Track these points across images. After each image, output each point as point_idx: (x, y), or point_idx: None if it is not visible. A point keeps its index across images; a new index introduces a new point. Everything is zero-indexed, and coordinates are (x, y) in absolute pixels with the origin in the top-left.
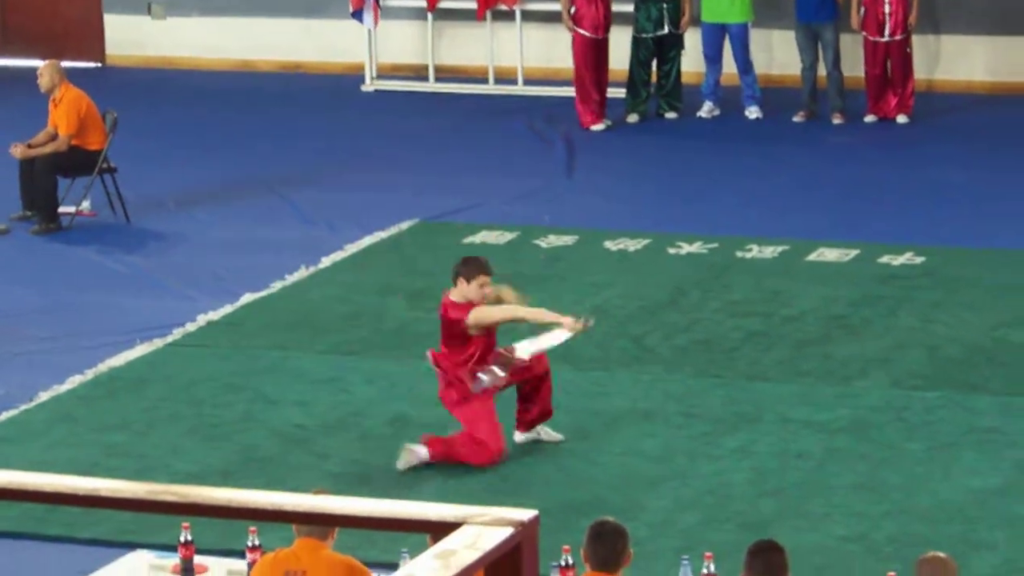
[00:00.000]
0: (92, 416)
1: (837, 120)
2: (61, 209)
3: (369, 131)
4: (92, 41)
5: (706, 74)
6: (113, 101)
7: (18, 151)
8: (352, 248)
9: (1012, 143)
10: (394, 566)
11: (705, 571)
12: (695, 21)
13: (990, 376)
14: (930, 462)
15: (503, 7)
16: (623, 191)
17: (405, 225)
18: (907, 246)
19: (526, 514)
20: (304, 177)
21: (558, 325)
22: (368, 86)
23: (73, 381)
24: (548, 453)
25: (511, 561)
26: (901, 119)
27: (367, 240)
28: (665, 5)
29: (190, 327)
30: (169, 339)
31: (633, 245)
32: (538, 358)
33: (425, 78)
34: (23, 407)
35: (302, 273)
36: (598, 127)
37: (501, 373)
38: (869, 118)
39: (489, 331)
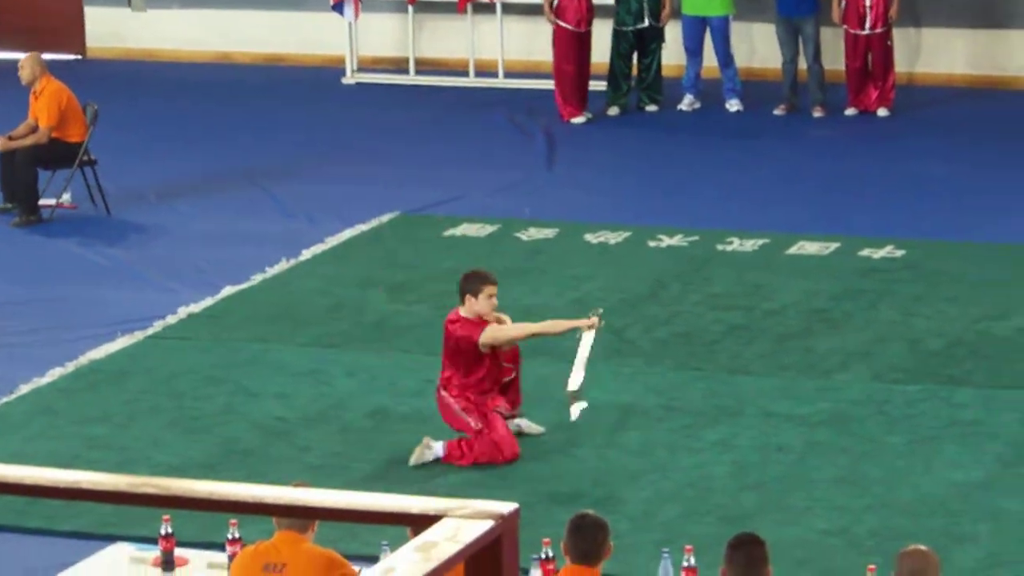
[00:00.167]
0: (73, 408)
1: (818, 113)
2: (42, 201)
3: (350, 124)
4: (73, 33)
5: (687, 67)
6: (94, 93)
7: None
8: (333, 241)
9: (993, 136)
10: (374, 559)
11: (685, 564)
12: (676, 14)
13: (972, 369)
14: (911, 455)
15: (484, 0)
16: (604, 184)
17: (386, 218)
18: (888, 239)
19: (506, 507)
20: (285, 170)
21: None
22: (349, 79)
23: (54, 373)
24: (528, 446)
25: (491, 554)
26: (882, 112)
27: (348, 233)
28: None
29: (171, 319)
30: (150, 331)
31: (614, 238)
32: (512, 349)
33: (406, 71)
34: (3, 399)
35: (283, 266)
36: (578, 120)
37: (583, 404)
38: (850, 111)
39: (495, 353)
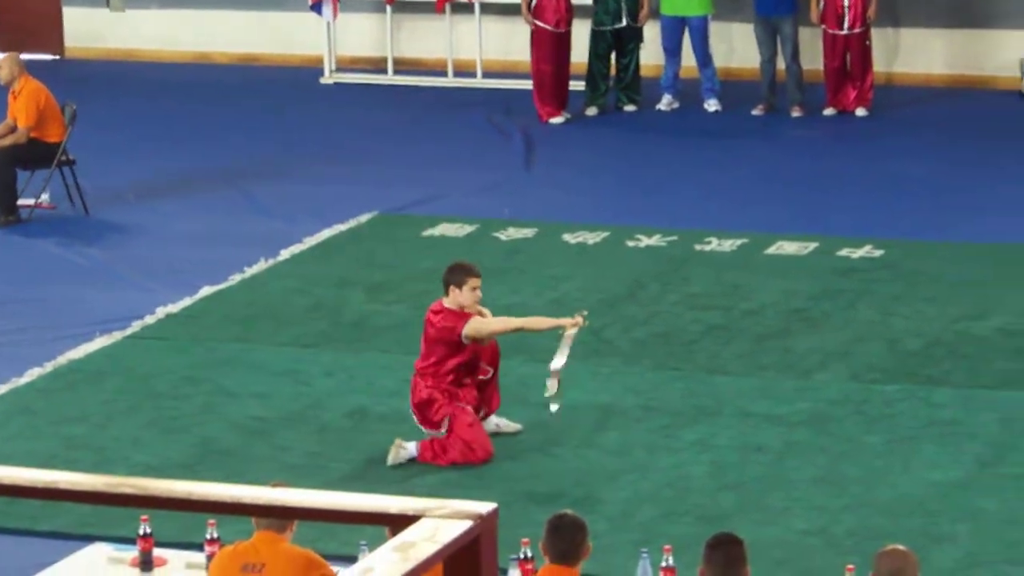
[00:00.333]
0: (51, 409)
1: (796, 113)
2: (20, 201)
3: (328, 124)
4: (51, 33)
5: (665, 67)
6: (72, 93)
7: None
8: (311, 241)
9: (971, 136)
10: (353, 559)
11: (664, 564)
12: (654, 14)
13: (950, 369)
14: (890, 455)
15: (462, 0)
16: (582, 184)
17: (364, 218)
18: (866, 239)
19: (485, 507)
20: (263, 170)
21: (558, 329)
22: (327, 79)
23: (32, 374)
24: (507, 446)
25: (470, 554)
26: (860, 112)
27: (326, 233)
28: None
29: (149, 319)
30: (128, 331)
31: (592, 238)
32: (492, 349)
33: (384, 71)
34: None
35: (261, 266)
36: (557, 120)
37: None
38: (828, 111)
39: (475, 347)
